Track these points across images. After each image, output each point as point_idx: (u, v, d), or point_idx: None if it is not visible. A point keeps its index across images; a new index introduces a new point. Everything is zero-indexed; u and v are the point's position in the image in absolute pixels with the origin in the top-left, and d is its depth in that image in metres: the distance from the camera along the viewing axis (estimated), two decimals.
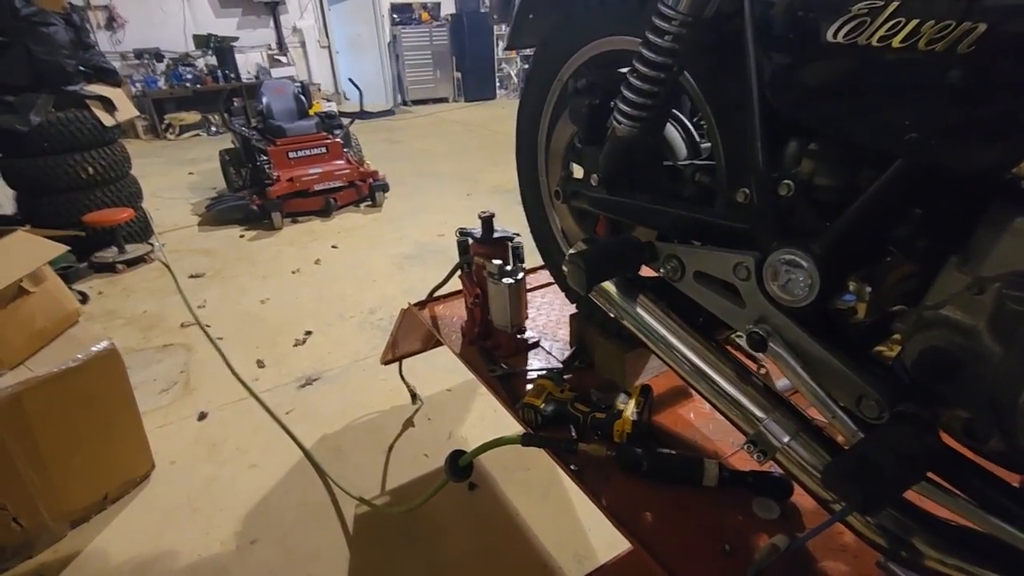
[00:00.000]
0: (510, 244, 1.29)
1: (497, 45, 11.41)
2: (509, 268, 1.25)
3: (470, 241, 1.34)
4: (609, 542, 1.67)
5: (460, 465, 1.14)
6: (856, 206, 0.56)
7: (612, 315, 0.83)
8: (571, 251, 0.84)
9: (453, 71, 10.89)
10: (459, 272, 1.39)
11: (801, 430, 0.64)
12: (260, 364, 2.71)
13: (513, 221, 1.35)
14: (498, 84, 11.57)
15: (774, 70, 0.60)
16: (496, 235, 1.29)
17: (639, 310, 0.80)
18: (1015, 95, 0.43)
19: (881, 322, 0.67)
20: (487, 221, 1.29)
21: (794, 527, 0.84)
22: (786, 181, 0.61)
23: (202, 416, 2.35)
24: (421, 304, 1.59)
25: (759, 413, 0.67)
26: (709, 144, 0.94)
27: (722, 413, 0.73)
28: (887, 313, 0.67)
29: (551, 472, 1.95)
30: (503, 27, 12.28)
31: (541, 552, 1.69)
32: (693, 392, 1.15)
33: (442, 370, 2.52)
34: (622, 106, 0.80)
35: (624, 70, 0.95)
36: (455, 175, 5.80)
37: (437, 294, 1.62)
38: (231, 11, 9.22)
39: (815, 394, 0.60)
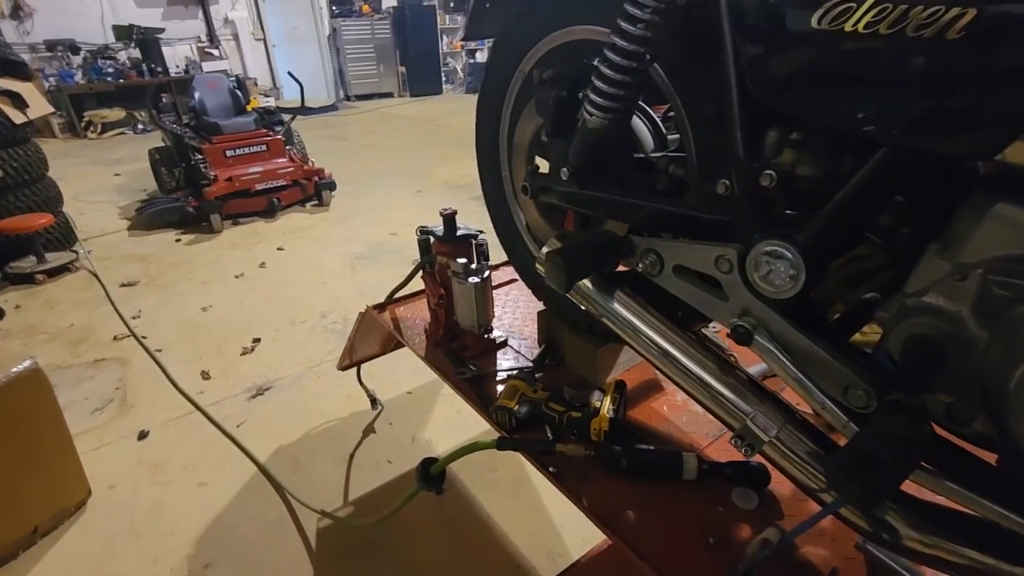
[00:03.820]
0: (474, 242, 1.25)
1: (442, 39, 11.25)
2: (474, 266, 1.21)
3: (432, 239, 1.29)
4: (583, 537, 1.67)
5: (432, 473, 1.10)
6: (841, 195, 0.55)
7: (592, 313, 0.81)
8: (545, 249, 0.82)
9: (397, 65, 10.66)
10: (421, 272, 1.34)
11: (787, 422, 0.64)
12: (205, 375, 2.55)
13: (468, 217, 1.30)
14: (444, 79, 11.42)
15: (755, 59, 0.59)
16: (459, 233, 1.24)
17: (619, 307, 0.78)
18: (1004, 81, 0.43)
19: (857, 310, 0.68)
20: (449, 218, 1.25)
21: (774, 515, 0.85)
22: (768, 171, 0.60)
23: (143, 435, 2.19)
24: (380, 306, 1.53)
25: (745, 407, 0.66)
26: (677, 136, 0.93)
27: (707, 408, 0.72)
28: (863, 301, 0.68)
29: (520, 472, 1.93)
30: (447, 20, 12.08)
31: (514, 553, 1.67)
32: (665, 385, 1.15)
33: (402, 372, 2.45)
34: (593, 97, 0.77)
35: (593, 61, 0.93)
36: (405, 172, 5.68)
37: (397, 295, 1.56)
38: (155, 0, 8.65)
39: (803, 386, 0.59)
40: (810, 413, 0.67)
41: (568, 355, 1.19)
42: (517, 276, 1.62)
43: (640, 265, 0.75)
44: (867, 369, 0.57)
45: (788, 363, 0.60)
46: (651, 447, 0.94)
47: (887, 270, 0.64)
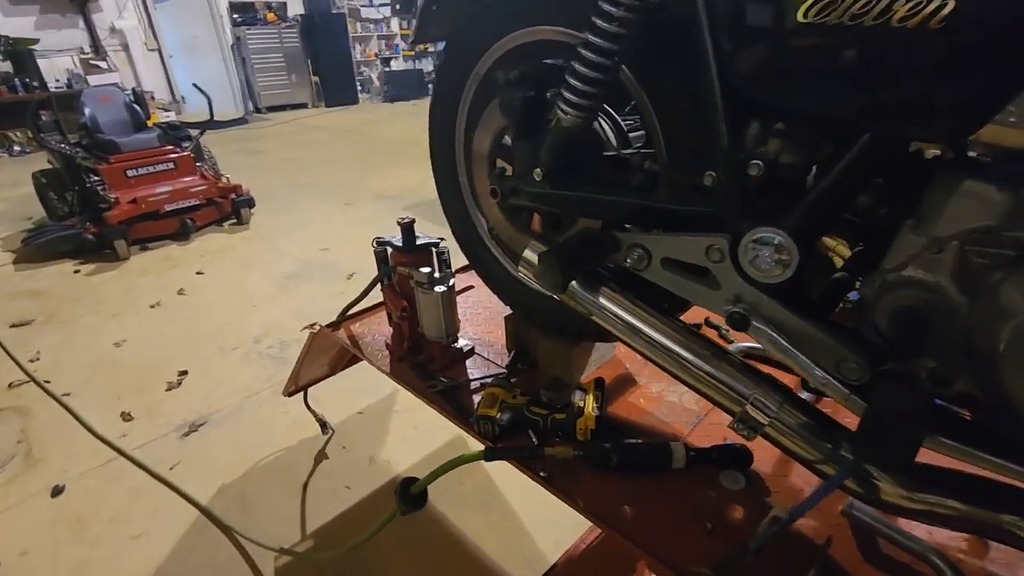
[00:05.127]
0: (435, 250, 1.21)
1: (354, 47, 10.99)
2: (438, 275, 1.17)
3: (390, 250, 1.24)
4: (556, 539, 1.67)
5: (413, 493, 1.05)
6: (828, 180, 0.58)
7: (581, 312, 0.81)
8: (528, 252, 0.81)
9: (310, 75, 10.28)
10: (379, 286, 1.29)
11: (785, 402, 0.66)
12: (126, 417, 2.32)
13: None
14: (360, 88, 11.15)
15: (740, 55, 0.61)
16: (419, 241, 1.20)
17: (609, 304, 0.78)
18: (981, 68, 0.47)
19: (832, 289, 0.72)
20: (408, 227, 1.20)
21: (761, 492, 0.89)
22: (755, 161, 0.62)
23: (57, 491, 1.95)
24: (335, 325, 1.45)
25: (744, 390, 0.68)
26: (640, 132, 0.95)
27: (704, 396, 0.74)
28: (835, 280, 0.72)
29: (486, 481, 1.90)
30: (359, 27, 11.80)
31: (489, 565, 1.63)
32: (638, 378, 1.17)
33: (350, 392, 2.35)
34: (568, 95, 0.77)
35: (550, 60, 0.93)
36: (330, 184, 5.47)
37: (351, 312, 1.49)
38: (25, 8, 7.82)
39: (802, 364, 0.62)
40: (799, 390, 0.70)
41: (541, 357, 1.18)
42: (473, 283, 1.60)
43: (628, 260, 0.75)
44: (857, 343, 0.60)
45: (786, 344, 0.63)
46: (639, 440, 0.95)
47: (861, 248, 0.69)
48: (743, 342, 1.19)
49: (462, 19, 1.03)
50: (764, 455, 0.93)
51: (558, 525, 1.69)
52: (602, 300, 0.78)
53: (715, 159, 0.66)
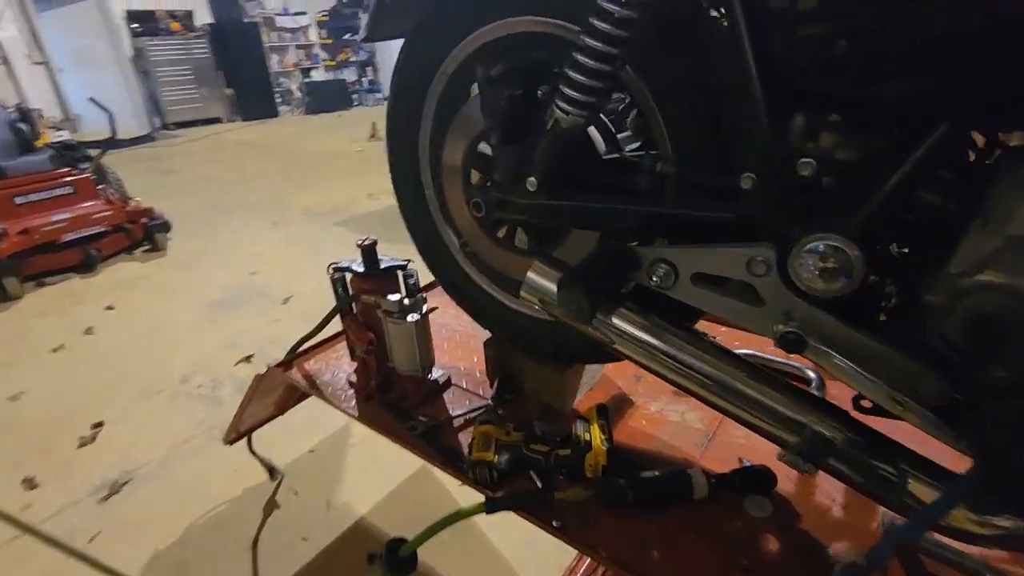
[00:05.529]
0: (402, 273, 1.08)
1: (271, 58, 10.48)
2: (409, 302, 1.04)
3: (349, 277, 1.09)
4: (539, 567, 1.56)
5: (402, 556, 0.91)
6: (898, 177, 0.51)
7: (603, 341, 0.70)
8: (533, 275, 0.69)
9: (223, 88, 9.66)
10: (339, 317, 1.13)
11: (848, 428, 0.59)
12: (29, 484, 1.99)
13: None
14: (279, 100, 10.63)
15: (787, 37, 0.53)
16: (384, 265, 1.06)
17: (639, 332, 0.68)
18: None
19: (872, 295, 0.65)
20: (369, 250, 1.06)
21: (792, 518, 0.82)
22: (806, 159, 0.55)
23: None
24: (286, 364, 1.27)
25: (801, 419, 0.61)
26: (628, 133, 0.87)
27: (752, 427, 0.65)
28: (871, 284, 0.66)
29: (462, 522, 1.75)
30: (273, 36, 11.30)
31: None
32: (635, 399, 1.09)
33: (297, 429, 2.13)
34: (569, 92, 0.67)
35: (535, 54, 0.83)
36: (255, 203, 5.11)
37: (303, 348, 1.31)
38: None
39: (876, 388, 0.55)
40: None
41: (529, 384, 1.07)
42: (436, 303, 1.47)
43: (653, 278, 0.66)
44: (933, 359, 0.53)
45: (855, 368, 0.55)
46: (655, 472, 0.86)
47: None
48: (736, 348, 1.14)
49: (426, 10, 0.91)
50: (781, 474, 0.86)
51: (540, 557, 1.58)
52: (631, 328, 0.67)
53: (752, 158, 0.58)
